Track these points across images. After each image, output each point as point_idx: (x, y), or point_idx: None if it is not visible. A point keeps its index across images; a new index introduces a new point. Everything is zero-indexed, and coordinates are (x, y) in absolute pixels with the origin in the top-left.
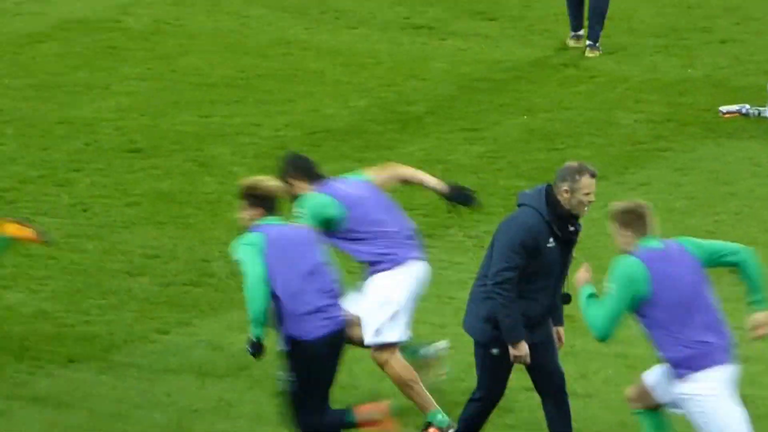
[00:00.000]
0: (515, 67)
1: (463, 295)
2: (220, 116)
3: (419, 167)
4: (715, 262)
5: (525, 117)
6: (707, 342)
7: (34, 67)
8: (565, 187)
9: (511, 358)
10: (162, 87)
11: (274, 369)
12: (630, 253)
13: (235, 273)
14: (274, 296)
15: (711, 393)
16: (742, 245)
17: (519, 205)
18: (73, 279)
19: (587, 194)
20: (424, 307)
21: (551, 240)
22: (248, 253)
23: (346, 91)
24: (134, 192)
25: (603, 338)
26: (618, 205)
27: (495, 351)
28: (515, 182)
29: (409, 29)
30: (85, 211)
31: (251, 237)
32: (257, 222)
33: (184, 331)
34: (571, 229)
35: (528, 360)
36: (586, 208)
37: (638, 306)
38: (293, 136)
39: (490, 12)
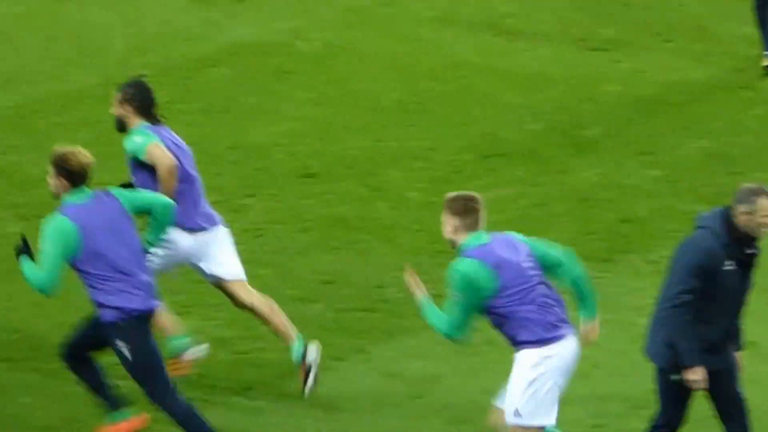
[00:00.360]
0: (692, 89)
1: (643, 321)
2: (393, 140)
3: (595, 192)
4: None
5: (703, 140)
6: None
7: (205, 91)
8: (743, 209)
9: (686, 382)
10: (334, 111)
11: (451, 397)
12: (459, 244)
13: (408, 299)
14: None
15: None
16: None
17: (696, 228)
18: None
19: (766, 216)
20: (603, 333)
21: (729, 263)
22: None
23: (520, 114)
24: (307, 217)
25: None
26: (452, 193)
27: (674, 377)
28: (694, 206)
29: (584, 51)
30: (258, 237)
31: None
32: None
33: (358, 358)
34: (749, 251)
35: (704, 385)
36: (764, 231)
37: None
38: (468, 160)
39: (667, 33)
